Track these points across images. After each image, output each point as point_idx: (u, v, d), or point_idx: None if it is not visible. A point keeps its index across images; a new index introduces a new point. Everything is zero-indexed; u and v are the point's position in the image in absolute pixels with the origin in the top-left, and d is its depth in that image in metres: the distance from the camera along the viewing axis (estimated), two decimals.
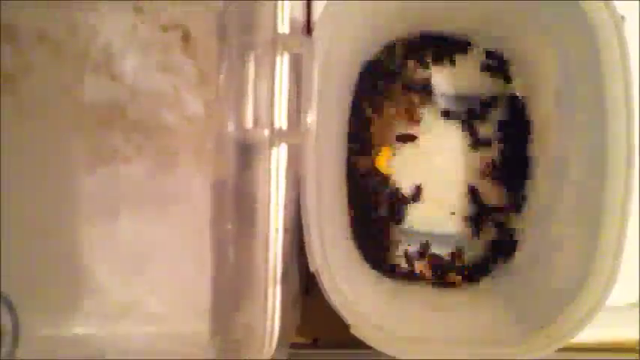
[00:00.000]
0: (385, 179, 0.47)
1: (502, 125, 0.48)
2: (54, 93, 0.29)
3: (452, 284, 0.46)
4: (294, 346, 0.46)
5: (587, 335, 0.36)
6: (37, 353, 0.30)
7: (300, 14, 0.42)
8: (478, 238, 0.47)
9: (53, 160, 0.30)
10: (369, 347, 0.36)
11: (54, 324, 0.30)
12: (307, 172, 0.35)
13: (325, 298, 0.36)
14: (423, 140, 0.47)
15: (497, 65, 0.48)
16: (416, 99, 0.47)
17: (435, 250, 0.47)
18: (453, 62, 0.48)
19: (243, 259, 0.30)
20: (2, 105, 0.29)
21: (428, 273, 0.47)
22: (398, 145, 0.47)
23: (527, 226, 0.45)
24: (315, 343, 0.47)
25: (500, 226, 0.47)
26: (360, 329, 0.36)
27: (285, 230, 0.31)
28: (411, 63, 0.48)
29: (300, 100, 0.30)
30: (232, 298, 0.30)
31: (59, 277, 0.30)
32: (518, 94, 0.48)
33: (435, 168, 0.47)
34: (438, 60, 0.48)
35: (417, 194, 0.47)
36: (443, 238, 0.47)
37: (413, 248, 0.47)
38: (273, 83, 0.29)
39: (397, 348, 0.36)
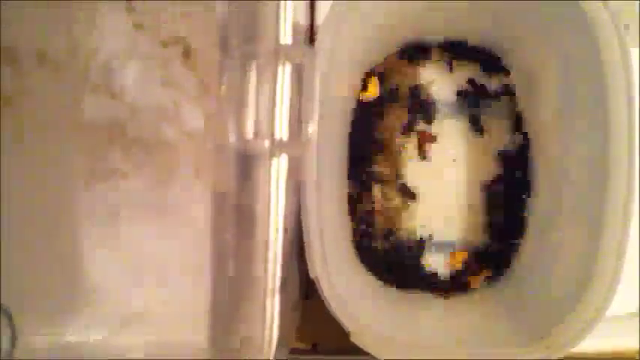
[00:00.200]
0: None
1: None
2: (54, 113, 0.29)
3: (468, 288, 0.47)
4: (293, 351, 0.46)
5: (588, 345, 0.36)
6: None
7: (303, 18, 0.42)
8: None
9: (52, 177, 0.30)
10: (368, 354, 0.36)
11: (52, 333, 0.30)
12: (308, 182, 0.35)
13: (325, 305, 0.36)
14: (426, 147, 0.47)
15: (497, 66, 0.48)
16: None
17: (435, 256, 0.47)
18: (453, 65, 0.48)
19: (242, 270, 0.30)
20: (2, 126, 0.29)
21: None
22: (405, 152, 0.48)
23: (528, 235, 0.45)
24: (314, 349, 0.47)
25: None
26: (360, 336, 0.36)
27: (285, 238, 0.31)
28: (411, 69, 0.48)
29: (301, 111, 0.30)
30: (231, 308, 0.30)
31: (58, 287, 0.30)
32: (517, 93, 0.48)
33: (439, 175, 0.48)
34: (437, 63, 0.48)
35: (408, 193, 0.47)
36: (444, 247, 0.47)
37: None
38: (274, 94, 0.29)
39: (397, 355, 0.36)
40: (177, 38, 0.29)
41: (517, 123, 0.47)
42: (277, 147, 0.29)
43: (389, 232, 0.47)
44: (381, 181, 0.47)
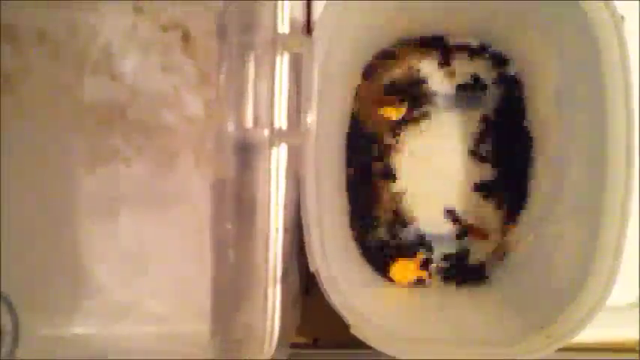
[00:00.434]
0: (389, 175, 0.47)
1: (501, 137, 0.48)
2: (54, 93, 0.29)
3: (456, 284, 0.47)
4: (294, 346, 0.46)
5: (588, 335, 0.36)
6: (37, 353, 0.30)
7: (300, 14, 0.42)
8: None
9: (53, 160, 0.30)
10: (369, 347, 0.36)
11: (54, 324, 0.30)
12: (307, 172, 0.35)
13: (325, 298, 0.36)
14: (424, 141, 0.48)
15: (496, 65, 0.48)
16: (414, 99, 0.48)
17: (436, 251, 0.47)
18: (452, 62, 0.48)
19: (243, 259, 0.30)
20: (2, 105, 0.29)
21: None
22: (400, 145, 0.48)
23: (527, 227, 0.45)
24: (315, 343, 0.47)
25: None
26: (360, 329, 0.36)
27: (285, 230, 0.31)
28: (410, 63, 0.48)
29: (300, 100, 0.30)
30: (232, 298, 0.30)
31: (59, 277, 0.30)
32: (517, 93, 0.48)
33: (438, 169, 0.48)
34: (437, 60, 0.48)
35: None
36: (443, 240, 0.47)
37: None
38: (273, 83, 0.29)
39: (397, 348, 0.36)
40: (177, 23, 0.29)
41: (517, 121, 0.48)
42: (277, 136, 0.29)
43: (389, 224, 0.47)
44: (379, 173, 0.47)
